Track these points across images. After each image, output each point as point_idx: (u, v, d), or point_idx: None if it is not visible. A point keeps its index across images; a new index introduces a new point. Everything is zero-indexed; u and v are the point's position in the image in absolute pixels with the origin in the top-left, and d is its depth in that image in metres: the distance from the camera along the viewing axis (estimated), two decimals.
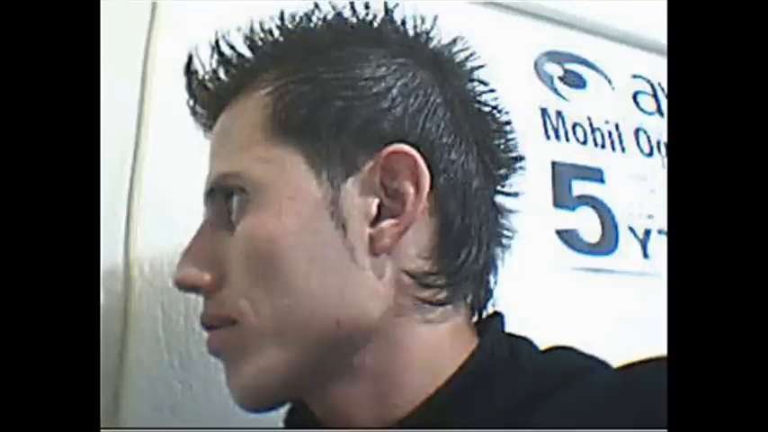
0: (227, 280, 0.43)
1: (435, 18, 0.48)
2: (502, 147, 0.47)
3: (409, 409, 0.41)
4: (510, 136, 0.48)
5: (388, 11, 0.47)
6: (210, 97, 0.48)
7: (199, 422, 0.61)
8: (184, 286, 0.45)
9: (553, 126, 0.87)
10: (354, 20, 0.46)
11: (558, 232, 0.83)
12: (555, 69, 0.91)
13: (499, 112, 0.48)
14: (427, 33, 0.47)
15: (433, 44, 0.47)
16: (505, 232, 0.48)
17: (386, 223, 0.42)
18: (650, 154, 0.94)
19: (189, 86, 0.49)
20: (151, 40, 0.66)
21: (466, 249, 0.43)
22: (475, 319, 0.47)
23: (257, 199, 0.42)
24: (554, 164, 0.86)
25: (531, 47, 0.90)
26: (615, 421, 0.36)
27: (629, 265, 0.87)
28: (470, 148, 0.45)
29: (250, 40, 0.46)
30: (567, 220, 0.84)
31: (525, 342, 0.46)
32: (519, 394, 0.40)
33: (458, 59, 0.48)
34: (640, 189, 0.91)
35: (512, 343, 0.45)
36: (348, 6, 0.46)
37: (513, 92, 0.52)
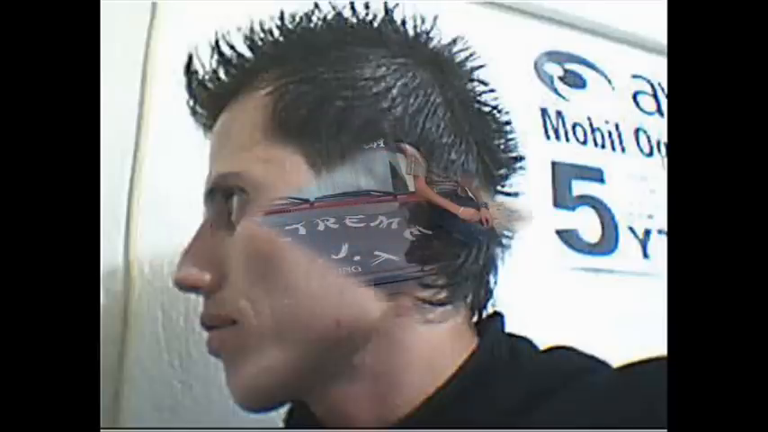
0: (228, 280, 0.43)
1: (435, 18, 0.48)
2: (502, 147, 0.47)
3: (409, 409, 0.41)
4: (510, 136, 0.48)
5: (388, 11, 0.47)
6: (210, 97, 0.48)
7: (199, 422, 0.61)
8: (184, 286, 0.45)
9: (553, 126, 0.88)
10: (354, 20, 0.46)
11: (558, 232, 0.84)
12: (555, 69, 0.91)
13: (499, 112, 0.48)
14: (427, 33, 0.47)
15: (433, 44, 0.47)
16: (505, 232, 0.48)
17: None
18: (650, 154, 0.94)
19: (189, 86, 0.49)
20: (151, 40, 0.67)
21: (466, 249, 0.43)
22: (475, 319, 0.47)
23: (257, 199, 0.42)
24: (554, 164, 0.86)
25: (531, 47, 0.90)
26: (615, 421, 0.36)
27: (629, 265, 0.87)
28: (470, 148, 0.45)
29: (250, 40, 0.46)
30: (567, 220, 0.84)
31: (525, 342, 0.46)
32: (519, 394, 0.40)
33: (458, 59, 0.48)
34: (640, 189, 0.91)
35: (512, 343, 0.45)
36: (348, 6, 0.46)
37: (513, 92, 0.52)
